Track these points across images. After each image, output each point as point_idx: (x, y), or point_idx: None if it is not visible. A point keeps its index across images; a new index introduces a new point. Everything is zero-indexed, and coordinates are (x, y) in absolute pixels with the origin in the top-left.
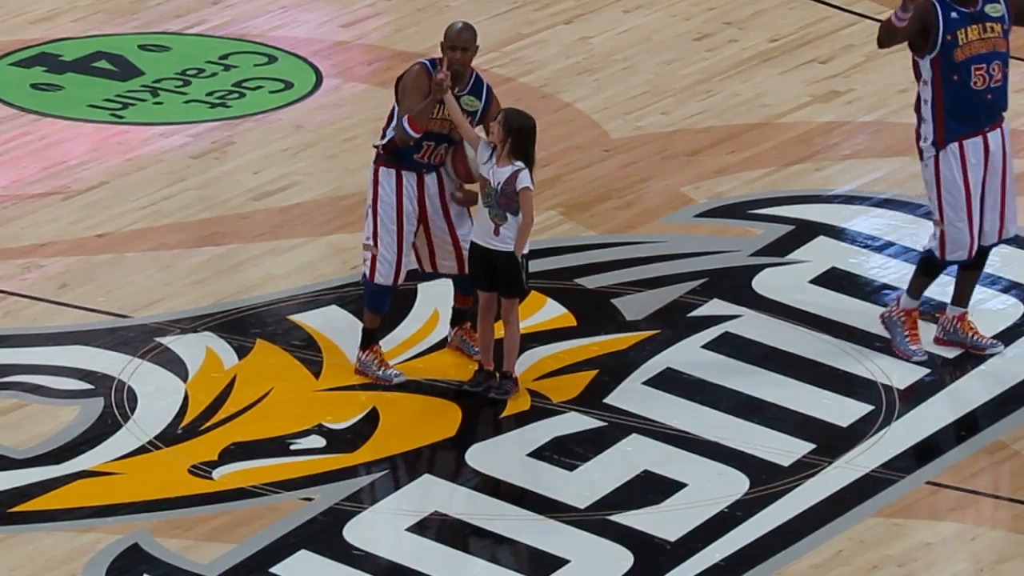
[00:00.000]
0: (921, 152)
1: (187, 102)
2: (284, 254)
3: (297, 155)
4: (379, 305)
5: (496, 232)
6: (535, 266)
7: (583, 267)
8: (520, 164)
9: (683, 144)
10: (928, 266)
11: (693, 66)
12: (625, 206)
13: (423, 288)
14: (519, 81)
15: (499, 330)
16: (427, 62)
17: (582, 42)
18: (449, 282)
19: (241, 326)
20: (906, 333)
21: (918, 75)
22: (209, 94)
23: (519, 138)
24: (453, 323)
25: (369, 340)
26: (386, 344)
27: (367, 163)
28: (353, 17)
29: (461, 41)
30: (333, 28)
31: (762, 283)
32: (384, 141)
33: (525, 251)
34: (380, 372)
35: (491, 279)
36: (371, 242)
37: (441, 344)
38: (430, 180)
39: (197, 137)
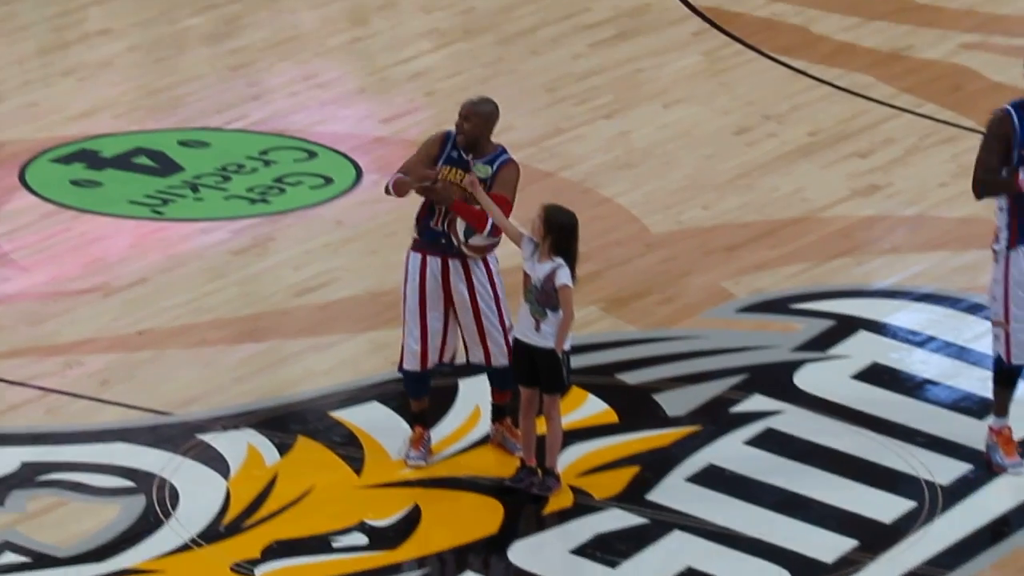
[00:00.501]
0: (994, 253)
1: (227, 198)
2: (325, 350)
3: (338, 251)
4: (413, 391)
5: (537, 328)
6: (576, 361)
7: (624, 363)
8: (560, 261)
9: (723, 239)
10: (1003, 376)
11: (733, 160)
12: (666, 301)
13: (465, 384)
14: (559, 176)
15: (541, 426)
16: (450, 132)
17: (622, 137)
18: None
19: (282, 423)
20: (1002, 452)
21: None
22: (249, 190)
23: (559, 235)
24: (494, 419)
25: (411, 421)
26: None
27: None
28: (392, 112)
29: (464, 110)
30: (373, 124)
31: (803, 378)
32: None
33: (566, 347)
34: (406, 452)
35: (532, 375)
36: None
37: (483, 440)
38: (454, 266)
39: (238, 233)
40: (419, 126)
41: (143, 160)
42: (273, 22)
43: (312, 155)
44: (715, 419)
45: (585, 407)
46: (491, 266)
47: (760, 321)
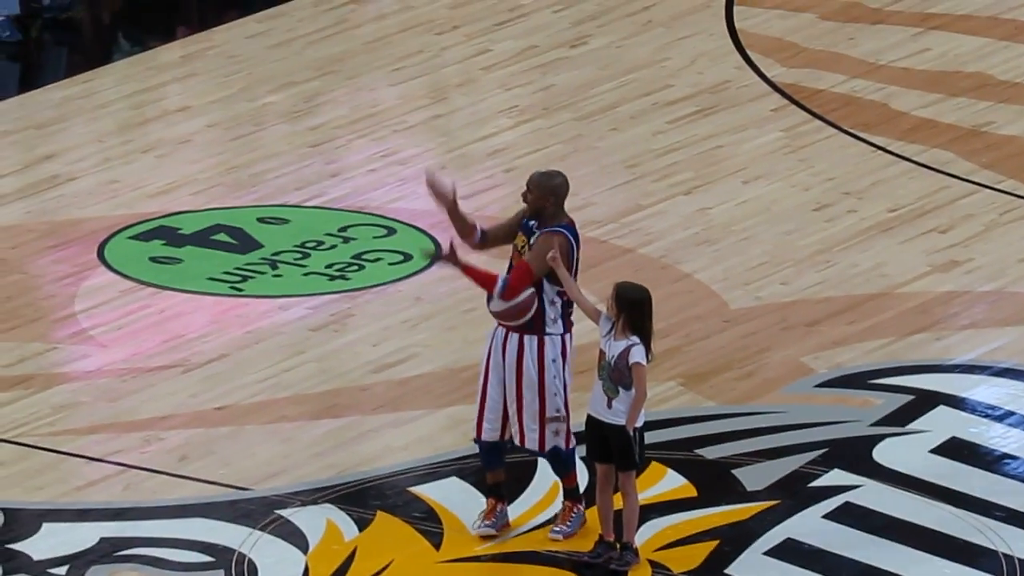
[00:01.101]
0: None
1: (306, 274)
2: (403, 426)
3: (416, 327)
4: (485, 461)
5: (609, 405)
6: (654, 437)
7: (703, 437)
8: (634, 339)
9: (803, 314)
10: None
11: (812, 236)
12: (745, 376)
13: (544, 461)
14: (639, 252)
15: (619, 501)
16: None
17: (701, 213)
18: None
19: (361, 498)
20: None
21: None
22: (328, 266)
23: (632, 311)
24: (564, 499)
25: (486, 493)
26: (510, 514)
27: (485, 335)
28: (472, 189)
29: (530, 181)
30: None
31: (883, 453)
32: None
33: (638, 425)
34: (478, 523)
35: (605, 451)
36: None
37: None
38: (511, 339)
39: (316, 309)
40: (498, 202)
41: (222, 237)
42: (352, 99)
43: (391, 231)
44: (794, 493)
45: (664, 482)
46: (546, 348)
47: (839, 396)
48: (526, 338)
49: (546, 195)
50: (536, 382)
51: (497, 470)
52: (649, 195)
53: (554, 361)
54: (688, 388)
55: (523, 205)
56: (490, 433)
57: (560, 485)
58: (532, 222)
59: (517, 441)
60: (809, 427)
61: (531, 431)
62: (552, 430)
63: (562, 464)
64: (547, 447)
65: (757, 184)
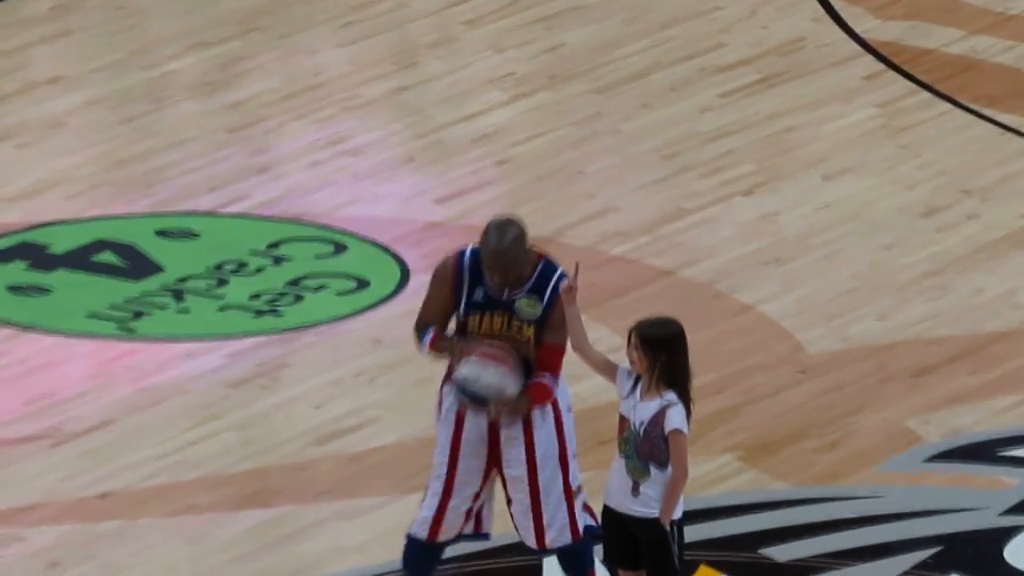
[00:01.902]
0: None
1: (222, 309)
2: (357, 518)
3: (374, 381)
4: (412, 568)
5: (636, 491)
6: (700, 532)
7: (771, 532)
8: (671, 397)
9: (907, 361)
10: None
11: (920, 252)
12: (828, 447)
13: (549, 564)
14: (679, 275)
15: None
16: (463, 253)
17: (767, 220)
18: None
19: None
20: None
21: None
22: (254, 298)
23: (669, 358)
24: None
25: None
26: None
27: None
28: (451, 189)
29: (488, 259)
30: (425, 204)
31: (1018, 552)
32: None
33: (676, 516)
34: None
35: (632, 555)
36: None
37: None
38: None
39: (236, 358)
40: (488, 207)
41: (107, 257)
42: (286, 66)
43: (340, 248)
44: None
45: None
46: (560, 402)
47: (959, 474)
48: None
49: (521, 256)
50: (556, 450)
51: None
52: (695, 197)
53: (569, 410)
54: (750, 464)
55: (441, 265)
56: (446, 534)
57: None
58: (500, 294)
59: (532, 543)
60: (917, 517)
61: (557, 524)
62: (580, 503)
63: (583, 557)
64: (581, 533)
65: (842, 180)
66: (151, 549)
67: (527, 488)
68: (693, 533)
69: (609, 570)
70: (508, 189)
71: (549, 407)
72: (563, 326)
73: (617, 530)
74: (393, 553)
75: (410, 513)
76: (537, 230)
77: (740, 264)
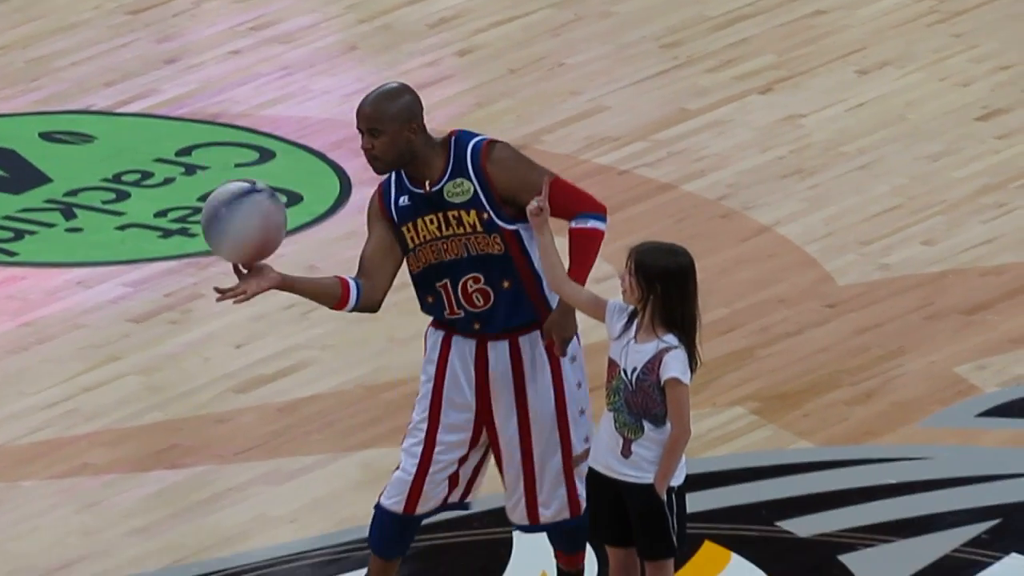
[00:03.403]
0: None
1: (122, 228)
2: (287, 482)
3: (308, 315)
4: (379, 545)
5: (626, 451)
6: (705, 501)
7: (791, 501)
8: (669, 339)
9: (958, 295)
10: None
11: (976, 164)
12: (862, 399)
13: (521, 540)
14: (683, 189)
15: None
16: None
17: (788, 123)
18: None
19: None
20: None
21: None
22: (160, 215)
23: (665, 292)
24: None
25: None
26: None
27: (423, 328)
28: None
29: (361, 120)
30: None
31: None
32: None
33: (676, 482)
34: None
35: (622, 527)
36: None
37: None
38: (496, 353)
39: (140, 287)
40: (447, 106)
41: None
42: None
43: (266, 155)
44: None
45: (727, 573)
46: (564, 359)
47: (1020, 432)
48: (526, 343)
49: (405, 126)
50: (553, 408)
51: (393, 560)
52: (702, 94)
53: (573, 360)
54: (765, 418)
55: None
56: (425, 504)
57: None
58: (418, 186)
59: (522, 519)
60: (969, 484)
61: (556, 499)
62: (579, 473)
63: (577, 532)
64: (582, 505)
65: (881, 75)
66: (35, 518)
67: (519, 456)
68: (695, 502)
69: (594, 547)
70: (472, 84)
71: (543, 355)
72: (530, 168)
73: (604, 498)
74: (329, 524)
75: (352, 475)
76: (508, 134)
77: (755, 176)
